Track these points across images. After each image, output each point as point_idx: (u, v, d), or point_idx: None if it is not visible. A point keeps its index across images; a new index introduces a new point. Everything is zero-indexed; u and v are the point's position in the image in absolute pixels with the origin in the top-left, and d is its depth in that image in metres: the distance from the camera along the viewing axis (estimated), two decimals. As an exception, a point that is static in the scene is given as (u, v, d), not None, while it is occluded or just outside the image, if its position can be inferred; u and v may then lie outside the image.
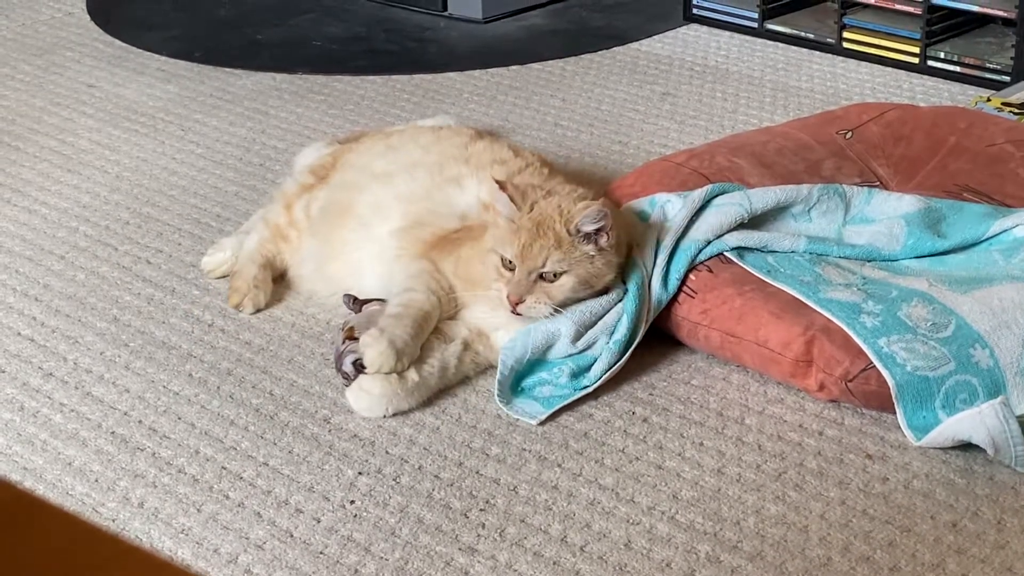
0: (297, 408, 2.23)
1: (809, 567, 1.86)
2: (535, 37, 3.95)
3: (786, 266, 2.33)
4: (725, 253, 2.36)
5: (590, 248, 2.25)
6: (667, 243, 2.36)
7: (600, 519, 1.96)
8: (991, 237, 2.41)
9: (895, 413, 2.10)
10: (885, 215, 2.45)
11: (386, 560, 1.89)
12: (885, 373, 2.09)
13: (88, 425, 2.20)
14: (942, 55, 3.53)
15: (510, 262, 2.25)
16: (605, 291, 2.31)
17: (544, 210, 2.26)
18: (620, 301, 2.30)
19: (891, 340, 2.12)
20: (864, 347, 2.12)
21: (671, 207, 2.42)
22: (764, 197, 2.42)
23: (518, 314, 2.24)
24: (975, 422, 2.00)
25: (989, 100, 3.16)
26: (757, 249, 2.38)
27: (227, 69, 3.72)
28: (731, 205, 2.40)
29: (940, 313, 2.17)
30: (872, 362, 2.10)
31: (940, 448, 2.07)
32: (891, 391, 2.08)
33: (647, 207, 2.45)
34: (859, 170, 2.67)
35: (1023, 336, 2.14)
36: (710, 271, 2.34)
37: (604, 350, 2.25)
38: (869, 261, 2.41)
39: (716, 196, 2.44)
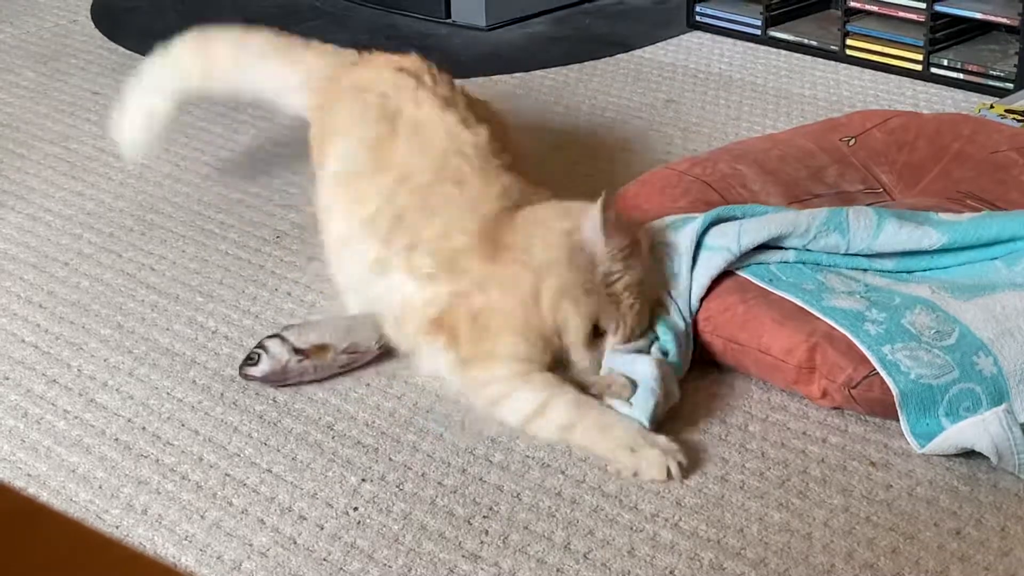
0: (300, 415, 2.23)
1: (812, 574, 1.85)
2: (538, 44, 3.96)
3: (788, 274, 2.33)
4: (728, 260, 2.35)
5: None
6: (682, 305, 2.30)
7: (603, 526, 1.96)
8: (994, 244, 2.40)
9: (898, 420, 2.10)
10: (900, 247, 2.35)
11: (389, 567, 1.89)
12: (889, 381, 2.09)
13: (92, 432, 2.20)
14: (945, 62, 3.53)
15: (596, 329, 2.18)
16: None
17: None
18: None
19: (895, 348, 2.12)
20: (868, 354, 2.11)
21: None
22: (757, 233, 2.31)
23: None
24: (979, 430, 2.00)
25: (993, 107, 3.16)
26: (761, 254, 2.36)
27: (231, 76, 3.72)
28: (719, 251, 2.30)
29: (943, 321, 2.17)
30: (876, 369, 2.10)
31: (944, 455, 2.07)
32: (895, 399, 2.08)
33: None
34: (862, 177, 2.67)
35: (1026, 343, 2.13)
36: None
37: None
38: (880, 270, 2.36)
39: (712, 225, 2.34)
